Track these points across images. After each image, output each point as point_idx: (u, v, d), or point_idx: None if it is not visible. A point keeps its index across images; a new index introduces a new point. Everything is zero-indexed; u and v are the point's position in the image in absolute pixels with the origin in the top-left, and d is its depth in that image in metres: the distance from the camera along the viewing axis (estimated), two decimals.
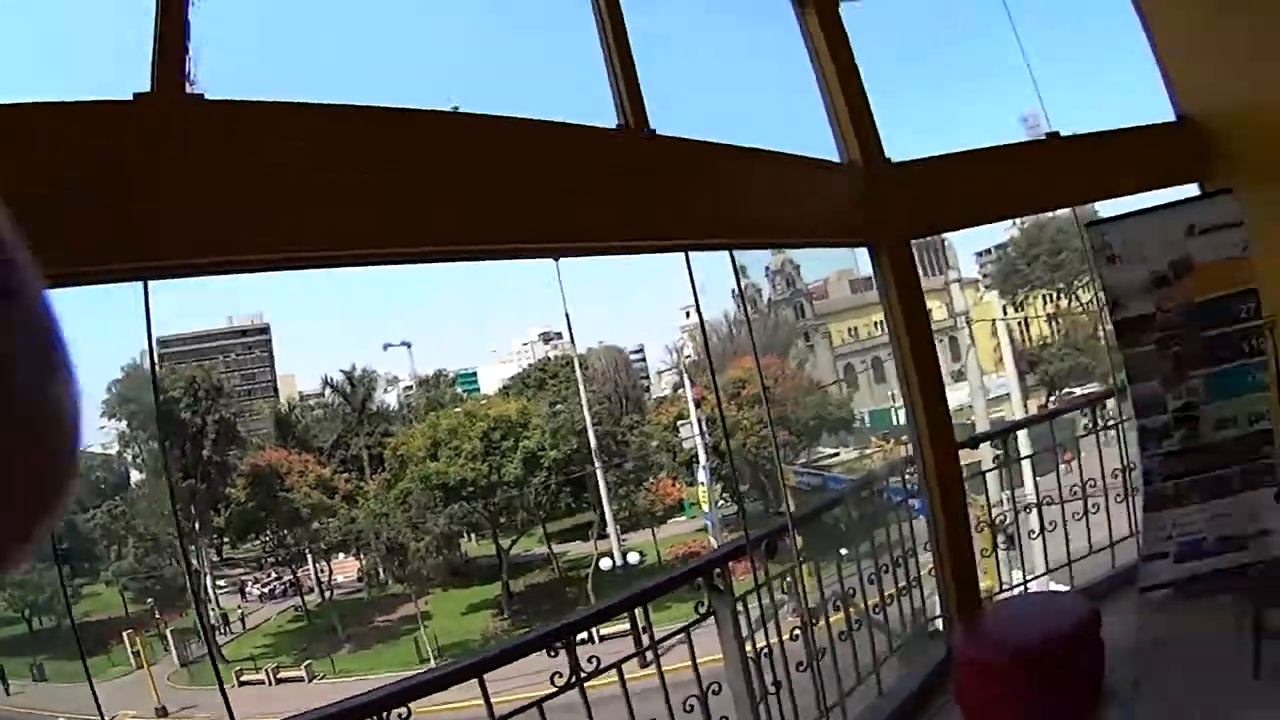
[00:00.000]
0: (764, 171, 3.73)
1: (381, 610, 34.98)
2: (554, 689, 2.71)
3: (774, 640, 3.41)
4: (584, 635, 3.04)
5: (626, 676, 2.92)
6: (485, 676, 2.60)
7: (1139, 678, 3.47)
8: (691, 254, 3.38)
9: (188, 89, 2.13)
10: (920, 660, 4.06)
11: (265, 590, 42.09)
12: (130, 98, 2.07)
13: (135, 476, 36.58)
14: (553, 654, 2.73)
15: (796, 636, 3.52)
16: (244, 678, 29.81)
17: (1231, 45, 4.52)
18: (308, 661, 30.08)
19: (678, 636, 3.17)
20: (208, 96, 2.17)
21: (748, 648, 3.26)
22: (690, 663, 3.10)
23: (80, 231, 1.84)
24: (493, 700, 2.58)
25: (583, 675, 2.75)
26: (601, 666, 2.81)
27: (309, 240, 2.36)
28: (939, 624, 4.22)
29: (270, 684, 29.44)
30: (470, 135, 2.73)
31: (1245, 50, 4.44)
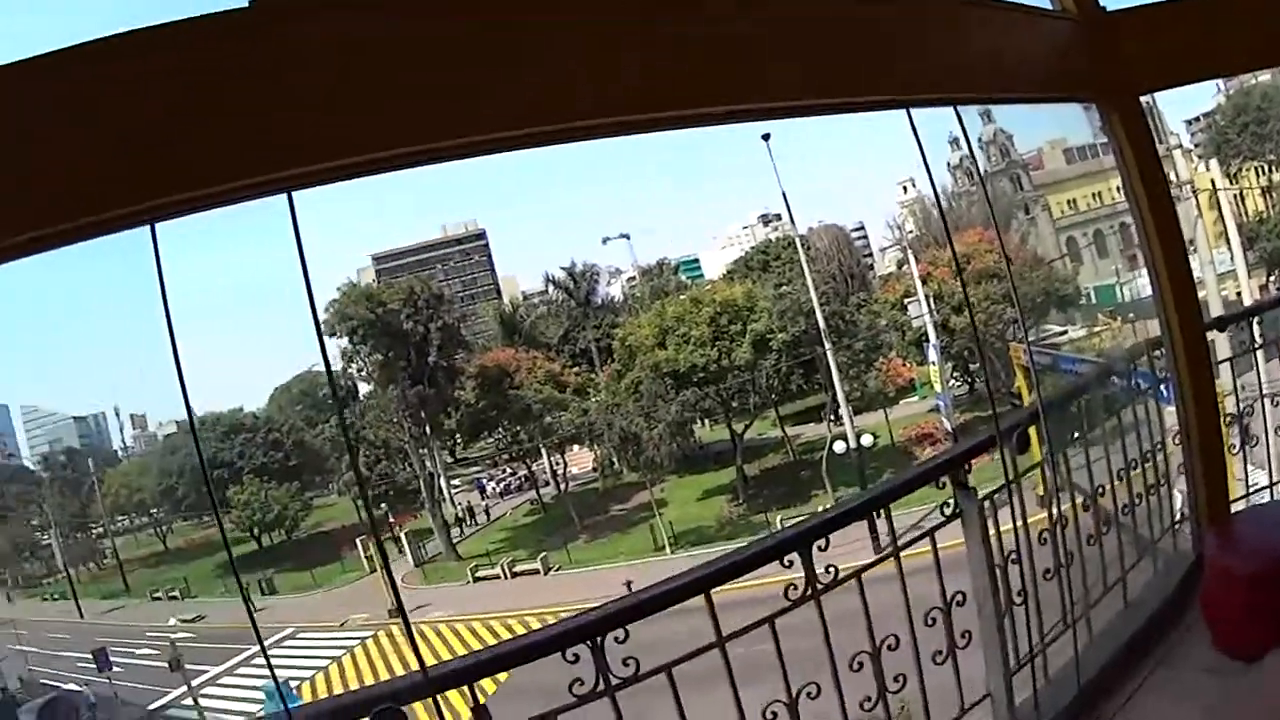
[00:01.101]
0: (980, 21, 3.21)
1: (617, 500, 35.49)
2: (788, 603, 2.43)
3: (1022, 545, 2.97)
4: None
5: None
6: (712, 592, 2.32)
7: None
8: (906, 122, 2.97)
9: None
10: (1167, 567, 3.56)
11: (501, 486, 43.95)
12: None
13: (364, 389, 37.72)
14: (786, 565, 2.44)
15: (1045, 540, 3.07)
16: (480, 574, 30.25)
17: None
18: (543, 554, 30.26)
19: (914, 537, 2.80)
20: None
21: (994, 555, 2.85)
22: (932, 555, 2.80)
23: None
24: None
25: (819, 588, 2.47)
26: (840, 577, 2.53)
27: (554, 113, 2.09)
28: (1185, 528, 3.69)
29: (506, 578, 29.64)
30: None
31: None
